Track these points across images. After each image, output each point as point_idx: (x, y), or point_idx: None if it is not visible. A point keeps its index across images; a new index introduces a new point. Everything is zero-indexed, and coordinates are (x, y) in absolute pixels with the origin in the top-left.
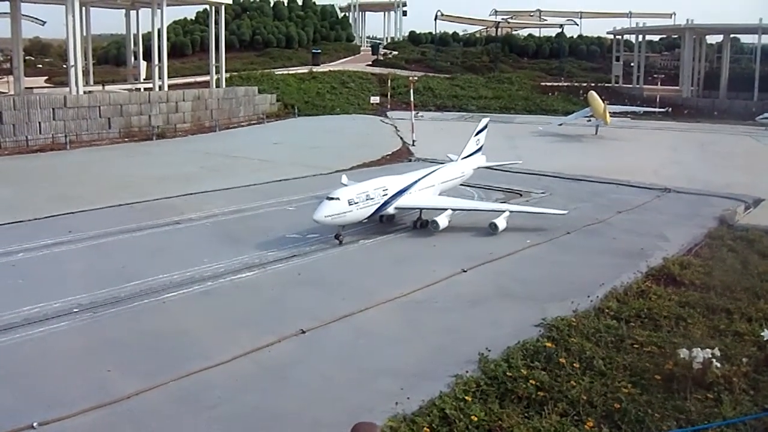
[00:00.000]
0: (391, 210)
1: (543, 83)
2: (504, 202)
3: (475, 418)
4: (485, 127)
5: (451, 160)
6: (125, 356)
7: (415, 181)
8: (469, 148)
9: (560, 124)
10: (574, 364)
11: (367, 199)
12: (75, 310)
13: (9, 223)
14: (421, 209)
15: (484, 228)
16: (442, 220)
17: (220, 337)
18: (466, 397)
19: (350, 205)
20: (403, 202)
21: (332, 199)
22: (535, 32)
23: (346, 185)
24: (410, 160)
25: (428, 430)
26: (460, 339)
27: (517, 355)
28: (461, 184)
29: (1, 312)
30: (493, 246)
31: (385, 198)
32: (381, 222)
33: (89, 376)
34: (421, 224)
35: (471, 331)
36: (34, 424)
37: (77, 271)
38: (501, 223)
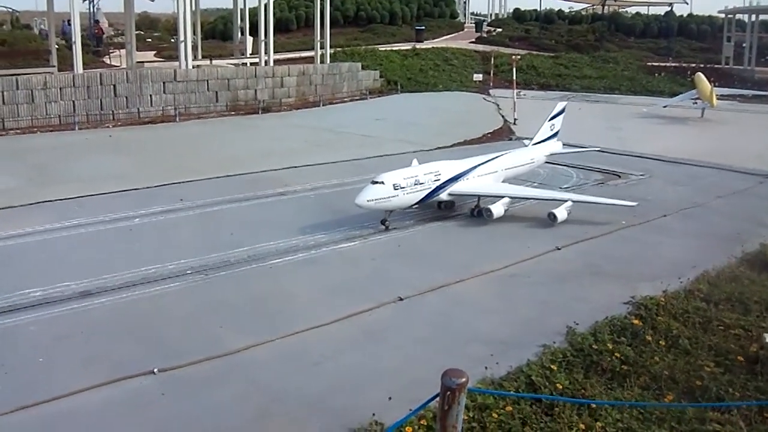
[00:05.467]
0: (444, 196)
1: (649, 63)
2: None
3: (560, 386)
4: (562, 110)
5: (524, 145)
6: (235, 315)
7: (474, 167)
8: (543, 134)
9: (665, 106)
10: (660, 342)
11: (415, 184)
12: (188, 272)
13: (126, 191)
14: (478, 196)
15: (581, 207)
16: (497, 209)
17: (322, 302)
18: (552, 366)
19: (395, 189)
20: (457, 188)
21: (376, 183)
22: (643, 10)
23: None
24: (511, 139)
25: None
26: (549, 312)
27: (604, 330)
28: (558, 164)
29: (121, 271)
30: (588, 226)
31: (437, 183)
32: (439, 209)
33: (202, 331)
34: (478, 212)
35: (561, 306)
36: (155, 370)
37: (189, 237)
38: (561, 213)
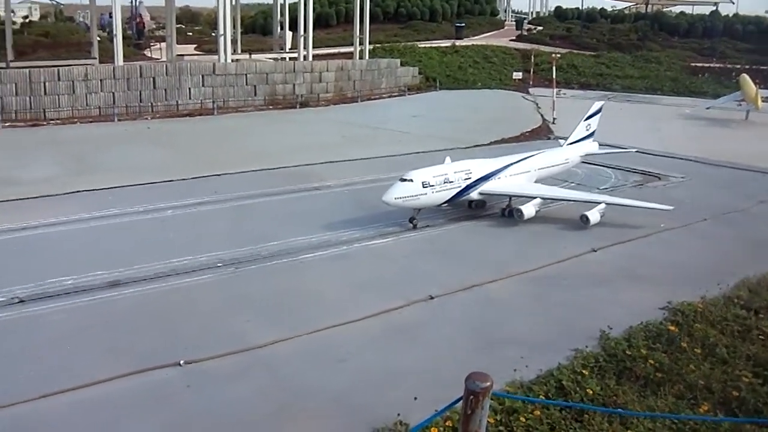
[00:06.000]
0: (475, 195)
1: (693, 64)
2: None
3: (591, 392)
4: (599, 110)
5: (559, 145)
6: (263, 309)
7: (506, 166)
8: (578, 133)
9: (708, 108)
10: (696, 350)
11: (445, 183)
12: (218, 264)
13: (161, 182)
14: (510, 196)
15: (617, 209)
16: (528, 209)
17: (351, 298)
18: (584, 371)
19: (424, 187)
20: (488, 187)
21: (405, 180)
22: (688, 9)
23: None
24: (549, 138)
25: (543, 397)
26: (583, 315)
27: (638, 336)
28: (596, 164)
29: (152, 262)
30: (626, 228)
31: (468, 182)
32: (470, 208)
33: (229, 324)
34: (509, 212)
35: (595, 309)
36: (181, 362)
37: (221, 230)
38: (593, 216)
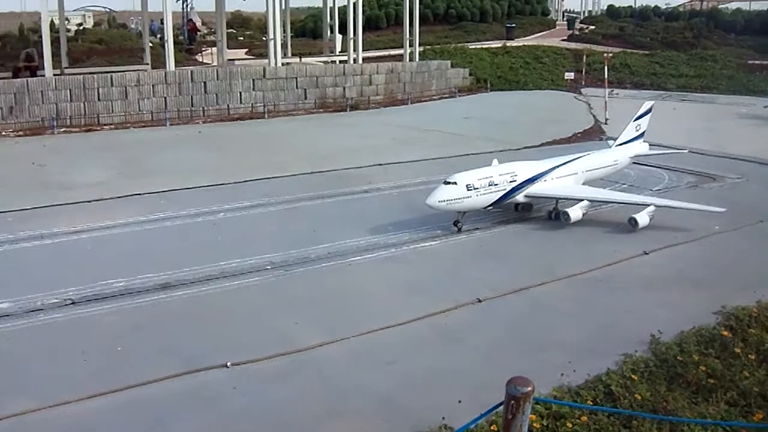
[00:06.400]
0: (520, 198)
1: (750, 62)
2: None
3: (640, 397)
4: (649, 110)
5: (609, 147)
6: (311, 311)
7: (552, 168)
8: (627, 134)
9: (766, 106)
10: (750, 355)
11: (489, 185)
12: (268, 267)
13: (212, 185)
14: (557, 198)
15: (669, 212)
16: (575, 212)
17: (399, 301)
18: (633, 376)
19: (468, 190)
20: (534, 190)
21: (449, 183)
22: (744, 6)
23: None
24: (601, 139)
25: (591, 403)
26: (633, 319)
27: (690, 341)
28: (650, 165)
29: (201, 265)
30: (679, 230)
31: (513, 185)
32: (516, 210)
33: (278, 326)
34: (556, 215)
35: (645, 313)
36: (228, 364)
37: (271, 232)
38: (642, 218)
